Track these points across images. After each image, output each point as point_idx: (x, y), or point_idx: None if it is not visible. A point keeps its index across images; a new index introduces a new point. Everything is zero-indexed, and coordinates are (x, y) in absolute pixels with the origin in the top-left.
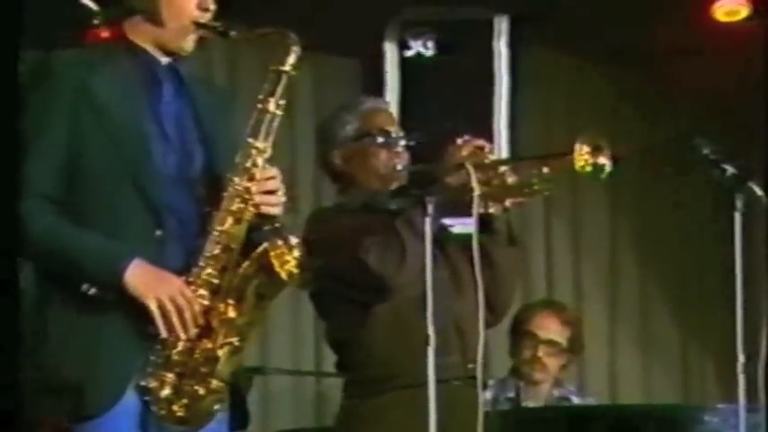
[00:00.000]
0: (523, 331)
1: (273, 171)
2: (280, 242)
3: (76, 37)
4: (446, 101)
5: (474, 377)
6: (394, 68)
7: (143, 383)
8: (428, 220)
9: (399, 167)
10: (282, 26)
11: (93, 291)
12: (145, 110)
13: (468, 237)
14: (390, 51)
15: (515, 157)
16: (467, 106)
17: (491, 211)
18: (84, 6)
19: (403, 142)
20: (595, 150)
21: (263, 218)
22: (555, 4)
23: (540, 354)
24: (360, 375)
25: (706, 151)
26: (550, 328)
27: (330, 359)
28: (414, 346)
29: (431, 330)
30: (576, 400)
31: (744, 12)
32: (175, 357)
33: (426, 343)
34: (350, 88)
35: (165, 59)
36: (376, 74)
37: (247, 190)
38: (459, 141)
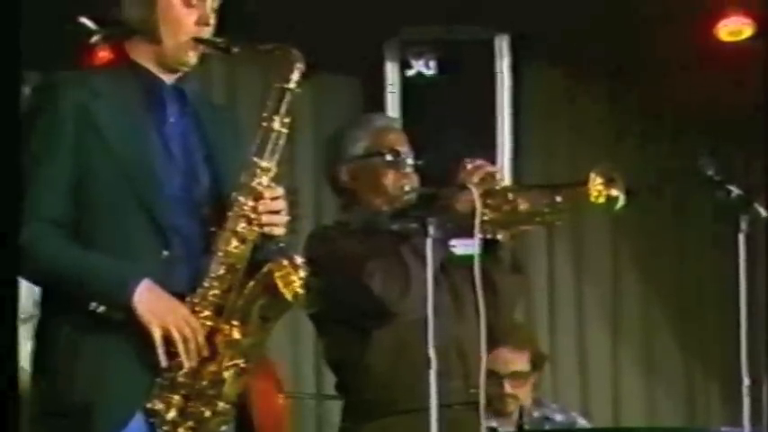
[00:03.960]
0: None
1: (279, 191)
2: (285, 262)
3: (75, 56)
4: (447, 120)
5: (476, 402)
6: (395, 87)
7: (149, 405)
8: (429, 242)
9: (407, 189)
10: (283, 44)
11: (101, 309)
12: (150, 131)
13: (470, 258)
14: (391, 70)
15: (528, 185)
16: (468, 125)
17: (498, 237)
18: (83, 25)
19: (411, 162)
20: (609, 182)
21: (266, 238)
22: (556, 22)
23: (508, 388)
24: (359, 398)
25: (710, 172)
26: (510, 361)
27: (330, 381)
28: (415, 370)
29: (432, 353)
30: (558, 418)
31: (747, 31)
32: (181, 379)
33: (428, 365)
34: (350, 107)
35: (169, 79)
36: (377, 93)
37: (253, 209)
38: (470, 166)
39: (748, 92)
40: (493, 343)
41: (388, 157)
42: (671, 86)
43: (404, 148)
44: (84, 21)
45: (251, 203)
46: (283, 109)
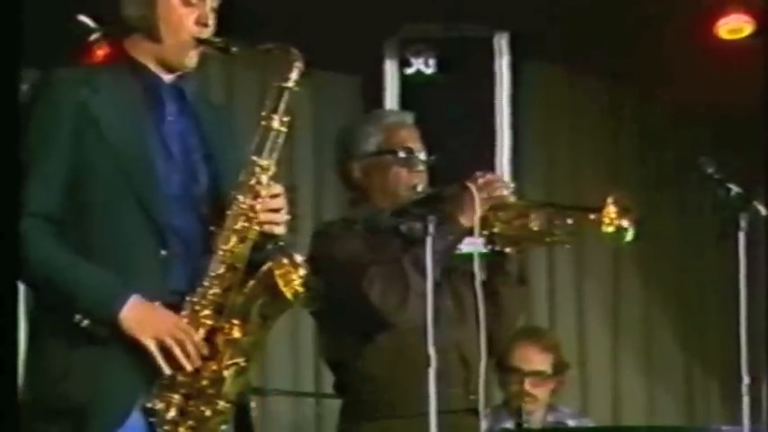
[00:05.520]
0: (507, 367)
1: (279, 188)
2: (285, 260)
3: (75, 53)
4: (447, 118)
5: (476, 409)
6: (394, 85)
7: (149, 405)
8: (429, 240)
9: (419, 188)
10: (282, 42)
11: (85, 323)
12: (148, 129)
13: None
14: (391, 68)
15: (541, 203)
16: (468, 123)
17: (507, 250)
18: (82, 23)
19: (423, 158)
20: (623, 212)
21: (266, 236)
22: (555, 21)
23: (527, 386)
24: (358, 399)
25: (710, 170)
26: (533, 360)
27: (330, 381)
28: (414, 373)
29: (431, 351)
30: (571, 423)
31: (747, 29)
32: (181, 378)
33: (427, 364)
34: (350, 105)
35: (168, 77)
36: (376, 91)
37: (252, 208)
38: (481, 180)
39: (748, 90)
40: (493, 351)
41: (401, 155)
42: (671, 85)
43: (416, 145)
44: (83, 19)
45: (250, 202)
46: (282, 107)
